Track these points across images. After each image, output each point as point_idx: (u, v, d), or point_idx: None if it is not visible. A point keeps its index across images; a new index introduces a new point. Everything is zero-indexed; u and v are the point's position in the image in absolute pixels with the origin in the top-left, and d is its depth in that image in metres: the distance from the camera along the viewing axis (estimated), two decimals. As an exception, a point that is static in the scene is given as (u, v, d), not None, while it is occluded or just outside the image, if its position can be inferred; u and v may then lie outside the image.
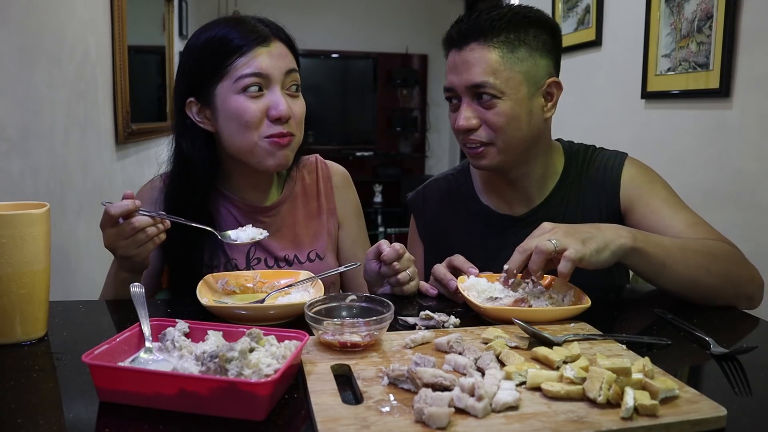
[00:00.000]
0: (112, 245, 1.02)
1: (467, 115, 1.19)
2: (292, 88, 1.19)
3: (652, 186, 1.23)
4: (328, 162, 1.42)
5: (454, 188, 1.40)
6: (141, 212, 1.00)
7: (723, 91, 2.05)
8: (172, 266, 1.27)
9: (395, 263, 1.10)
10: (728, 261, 1.08)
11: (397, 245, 1.11)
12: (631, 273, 1.38)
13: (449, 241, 1.24)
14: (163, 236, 1.04)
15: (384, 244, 1.11)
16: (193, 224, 1.10)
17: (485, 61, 1.17)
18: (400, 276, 1.10)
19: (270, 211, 1.29)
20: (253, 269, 1.24)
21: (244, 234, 1.11)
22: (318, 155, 1.42)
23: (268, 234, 1.12)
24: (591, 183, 1.28)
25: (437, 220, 1.39)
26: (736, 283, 1.07)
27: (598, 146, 1.35)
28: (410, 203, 1.45)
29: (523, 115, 1.19)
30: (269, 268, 1.25)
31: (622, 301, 1.20)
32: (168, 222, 1.04)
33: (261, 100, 1.16)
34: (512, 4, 1.21)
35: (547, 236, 0.97)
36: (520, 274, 1.00)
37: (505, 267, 0.99)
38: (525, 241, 1.00)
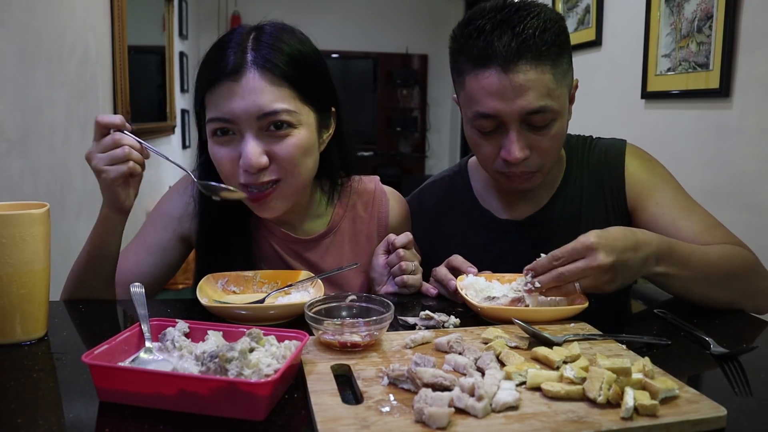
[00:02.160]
0: (90, 155, 0.98)
1: (522, 146, 1.08)
2: (276, 127, 1.03)
3: (659, 182, 1.19)
4: (389, 193, 1.29)
5: (451, 192, 1.34)
6: (128, 135, 0.99)
7: (723, 91, 2.05)
8: (200, 271, 1.19)
9: (400, 250, 1.11)
10: (746, 274, 1.06)
11: (409, 233, 1.13)
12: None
13: (449, 248, 1.18)
14: (139, 169, 0.99)
15: (393, 236, 1.13)
16: (172, 161, 1.08)
17: (542, 84, 1.04)
18: (403, 263, 1.10)
19: (312, 244, 1.21)
20: None
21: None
22: (377, 180, 1.29)
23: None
24: (593, 178, 1.24)
25: (435, 226, 1.33)
26: (751, 295, 1.06)
27: (594, 136, 1.31)
28: None
29: (565, 127, 1.13)
30: None
31: (622, 301, 1.20)
32: (147, 153, 1.01)
33: (232, 146, 1.05)
34: (532, 3, 1.09)
35: (595, 267, 0.92)
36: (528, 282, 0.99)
37: (535, 283, 0.95)
38: (573, 265, 0.93)
